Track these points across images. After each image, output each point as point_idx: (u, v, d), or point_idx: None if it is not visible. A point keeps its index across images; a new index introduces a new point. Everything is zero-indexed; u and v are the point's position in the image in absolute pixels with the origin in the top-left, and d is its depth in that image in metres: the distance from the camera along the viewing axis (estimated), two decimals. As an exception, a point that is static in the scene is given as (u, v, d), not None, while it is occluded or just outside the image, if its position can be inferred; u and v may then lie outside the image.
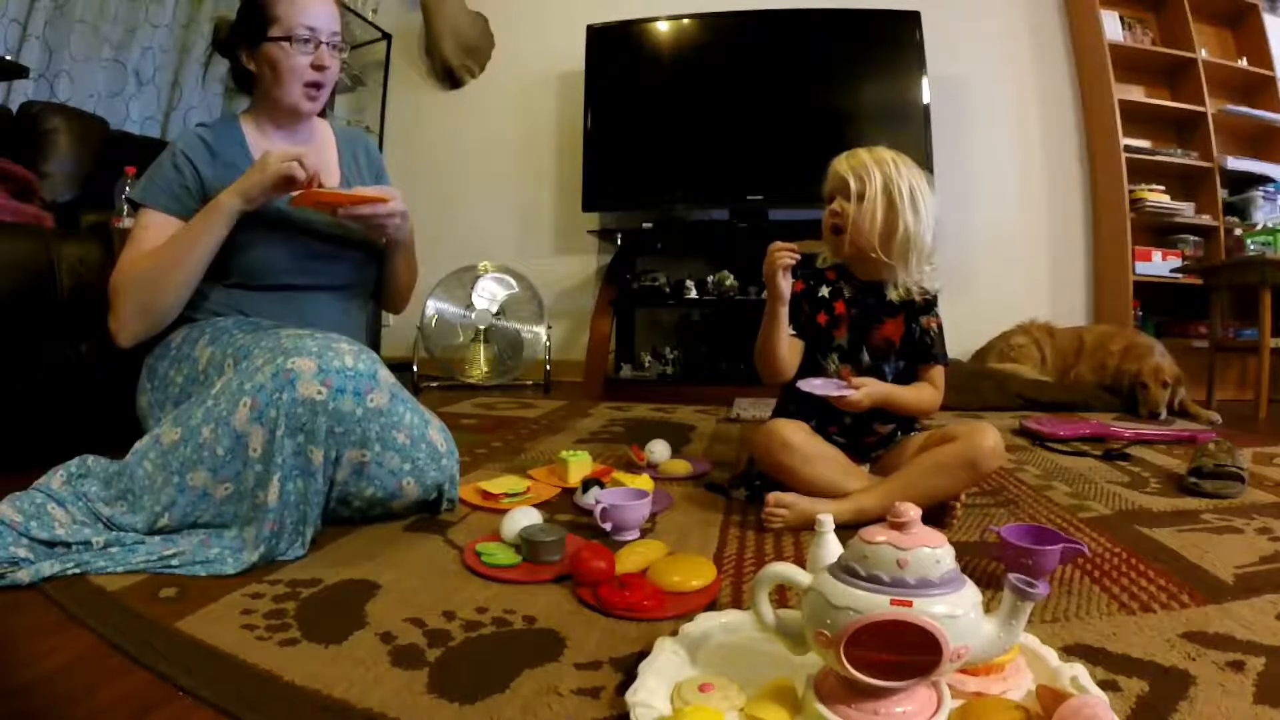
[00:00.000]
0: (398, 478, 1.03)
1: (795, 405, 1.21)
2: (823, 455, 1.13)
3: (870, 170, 1.13)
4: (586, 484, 1.17)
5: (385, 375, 0.99)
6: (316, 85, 1.20)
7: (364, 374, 0.95)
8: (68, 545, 0.85)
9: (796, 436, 1.12)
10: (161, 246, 1.10)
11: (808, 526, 1.06)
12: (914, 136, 2.86)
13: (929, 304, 1.20)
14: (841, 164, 1.16)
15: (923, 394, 1.18)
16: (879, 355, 1.20)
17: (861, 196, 1.12)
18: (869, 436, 1.21)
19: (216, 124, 1.24)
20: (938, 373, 1.20)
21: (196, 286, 1.14)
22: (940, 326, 1.21)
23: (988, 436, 1.08)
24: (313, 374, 0.90)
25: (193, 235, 1.09)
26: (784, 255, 1.09)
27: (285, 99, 1.19)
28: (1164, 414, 2.24)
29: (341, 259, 1.25)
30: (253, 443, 0.89)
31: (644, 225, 3.06)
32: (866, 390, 1.10)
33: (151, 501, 0.91)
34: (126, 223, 1.81)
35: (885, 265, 1.15)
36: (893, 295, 1.18)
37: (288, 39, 1.15)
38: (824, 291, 1.21)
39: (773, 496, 1.09)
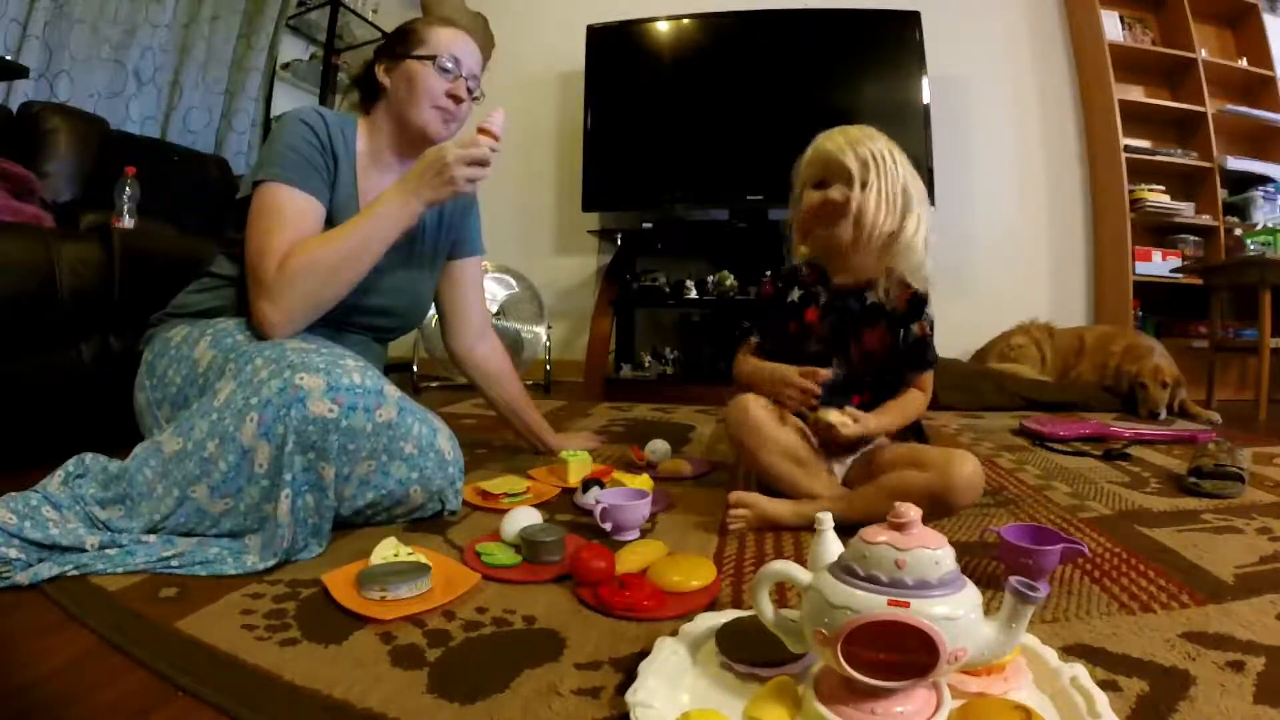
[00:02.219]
0: (405, 486, 1.02)
1: None
2: (786, 449, 1.09)
3: (880, 156, 1.04)
4: (586, 484, 1.17)
5: (391, 390, 0.99)
6: (447, 112, 1.18)
7: (371, 390, 0.94)
8: (62, 548, 0.84)
9: (760, 415, 1.08)
10: (336, 242, 1.05)
11: (768, 527, 1.06)
12: (914, 136, 2.86)
13: (917, 308, 1.10)
14: (838, 146, 1.05)
15: (909, 408, 1.12)
16: (860, 368, 1.13)
17: (865, 184, 1.03)
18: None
19: (337, 117, 1.17)
20: (927, 377, 1.14)
21: (211, 283, 1.14)
22: (932, 326, 1.12)
23: (964, 466, 0.98)
24: (322, 391, 0.90)
25: (379, 235, 1.06)
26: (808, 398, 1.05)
27: (415, 117, 1.17)
28: (1164, 414, 2.24)
29: (390, 316, 1.26)
30: (258, 458, 0.88)
31: (644, 225, 3.06)
32: (862, 426, 1.05)
33: (150, 509, 0.90)
34: (127, 222, 1.82)
35: (874, 265, 1.07)
36: (874, 298, 1.10)
37: (431, 58, 1.15)
38: (794, 295, 1.14)
39: (734, 496, 1.07)
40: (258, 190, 1.07)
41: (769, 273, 1.21)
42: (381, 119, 1.21)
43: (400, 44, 1.19)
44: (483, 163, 1.08)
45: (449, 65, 1.17)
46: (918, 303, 1.10)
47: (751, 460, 1.10)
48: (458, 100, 1.18)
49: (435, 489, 1.07)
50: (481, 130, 1.09)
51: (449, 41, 1.18)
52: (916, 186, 1.07)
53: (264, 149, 1.13)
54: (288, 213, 1.05)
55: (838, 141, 1.07)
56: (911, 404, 1.13)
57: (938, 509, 0.99)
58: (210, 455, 0.89)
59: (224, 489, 0.89)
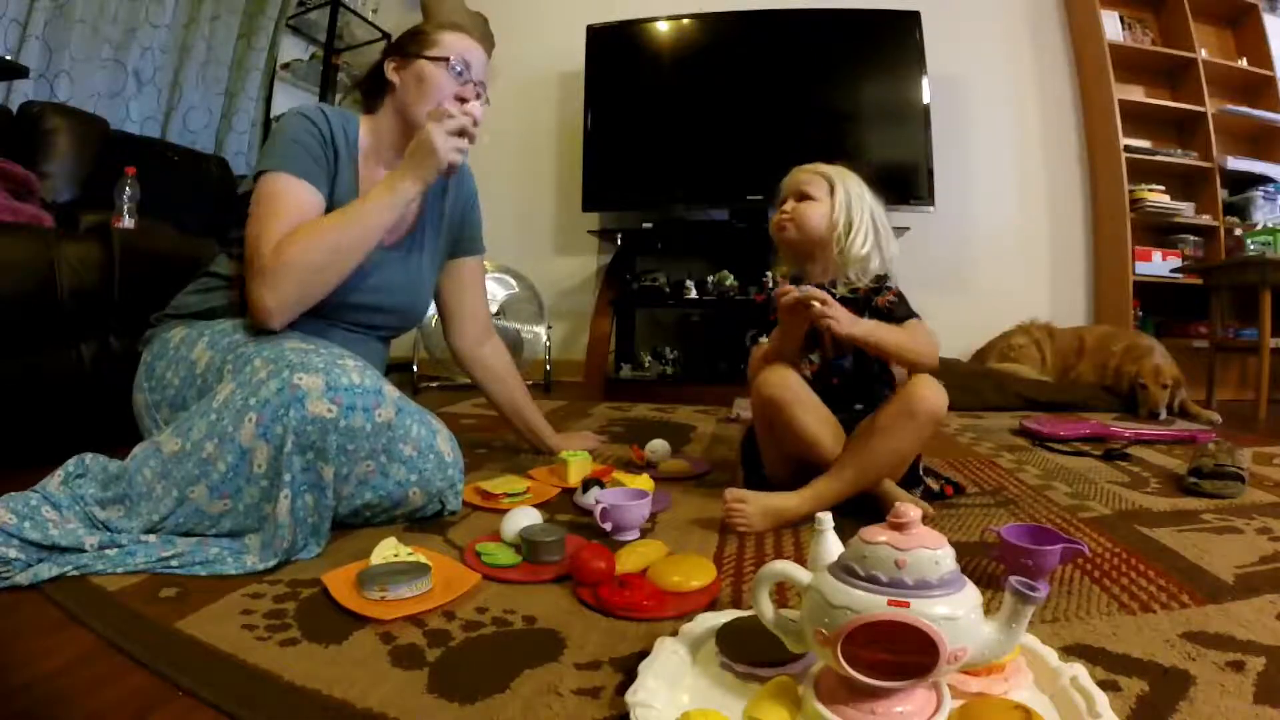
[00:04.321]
0: (404, 487, 1.02)
1: None
2: (819, 412, 1.14)
3: (832, 180, 1.25)
4: (586, 484, 1.17)
5: (390, 390, 0.99)
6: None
7: (370, 390, 0.94)
8: (62, 548, 0.84)
9: (797, 378, 1.15)
10: (332, 225, 1.05)
11: (774, 522, 1.08)
12: (914, 136, 2.86)
13: (878, 288, 1.22)
14: (797, 173, 1.29)
15: (915, 335, 1.16)
16: (837, 353, 1.24)
17: (810, 198, 1.24)
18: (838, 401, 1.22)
19: (339, 114, 1.19)
20: (914, 324, 1.19)
21: (213, 286, 1.14)
22: (898, 295, 1.22)
23: (922, 383, 1.08)
24: (321, 391, 0.89)
25: (373, 217, 1.06)
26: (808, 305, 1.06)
27: (421, 115, 1.16)
28: (1164, 414, 2.24)
29: (389, 313, 1.26)
30: (257, 459, 0.88)
31: (644, 225, 3.06)
32: (849, 321, 1.08)
33: (149, 509, 0.90)
34: (127, 222, 1.82)
35: (836, 266, 1.24)
36: (841, 290, 1.22)
37: (445, 59, 1.18)
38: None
39: (730, 493, 1.08)
40: (259, 180, 1.07)
41: (762, 286, 1.36)
42: (387, 115, 1.22)
43: (412, 43, 1.21)
44: (464, 132, 1.09)
45: (460, 69, 1.19)
46: (878, 282, 1.24)
47: (786, 420, 1.12)
48: (464, 101, 1.19)
49: (435, 490, 1.06)
50: (456, 97, 1.13)
51: (462, 47, 1.21)
52: (865, 209, 1.25)
53: (267, 143, 1.15)
54: (288, 200, 1.06)
55: (798, 171, 1.30)
56: (914, 331, 1.17)
57: (912, 425, 1.07)
58: (209, 455, 0.89)
59: (223, 489, 0.89)
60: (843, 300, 1.20)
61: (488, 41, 3.55)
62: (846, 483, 1.09)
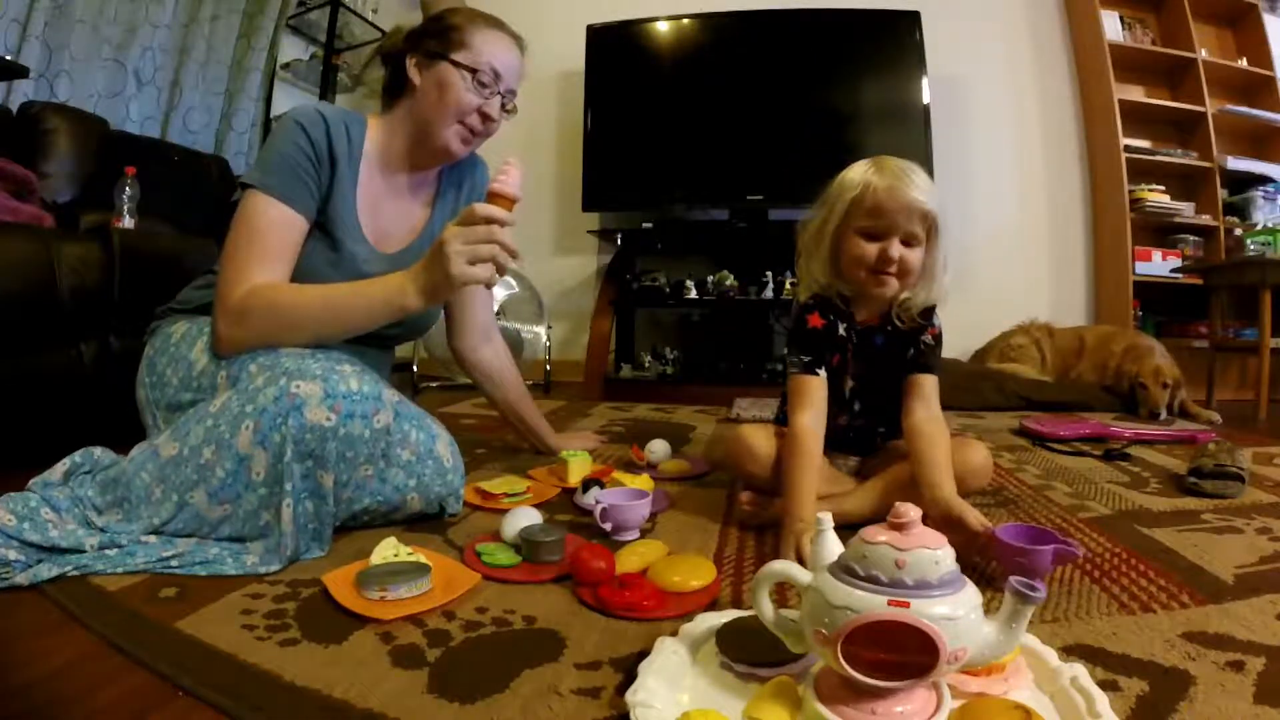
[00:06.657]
0: (402, 492, 1.02)
1: None
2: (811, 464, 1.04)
3: (939, 213, 1.01)
4: (586, 484, 1.17)
5: (389, 395, 0.98)
6: (473, 131, 1.12)
7: (369, 396, 0.94)
8: (61, 549, 0.84)
9: (763, 446, 1.08)
10: (315, 296, 1.00)
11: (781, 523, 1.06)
12: (914, 136, 2.86)
13: (926, 317, 1.10)
14: (904, 199, 0.99)
15: (946, 443, 1.02)
16: (886, 390, 1.13)
17: (924, 243, 1.02)
18: (865, 444, 1.20)
19: (343, 115, 1.10)
20: (929, 383, 1.08)
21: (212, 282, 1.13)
22: (938, 336, 1.11)
23: (976, 453, 1.06)
24: (319, 399, 0.89)
25: (362, 309, 0.99)
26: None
27: (438, 130, 1.10)
28: (1164, 414, 2.24)
29: (398, 324, 1.21)
30: (255, 466, 0.88)
31: (644, 225, 3.06)
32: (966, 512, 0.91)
33: (149, 513, 0.90)
34: (127, 222, 1.82)
35: (890, 302, 1.08)
36: (896, 323, 1.10)
37: (472, 70, 1.09)
38: (841, 329, 1.11)
39: (745, 495, 1.10)
40: (243, 195, 1.04)
41: (810, 303, 1.12)
42: (402, 119, 1.15)
43: (440, 40, 1.11)
44: (484, 257, 0.92)
45: (487, 80, 1.11)
46: (926, 313, 1.10)
47: (763, 484, 1.10)
48: (487, 119, 1.12)
49: (434, 496, 1.06)
50: (494, 195, 0.92)
51: (493, 51, 1.11)
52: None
53: (262, 149, 1.13)
54: (262, 226, 1.02)
55: (903, 194, 1.00)
56: (940, 442, 1.02)
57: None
58: (207, 461, 0.89)
59: (222, 495, 0.89)
60: (889, 339, 1.11)
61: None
62: (873, 509, 1.06)
